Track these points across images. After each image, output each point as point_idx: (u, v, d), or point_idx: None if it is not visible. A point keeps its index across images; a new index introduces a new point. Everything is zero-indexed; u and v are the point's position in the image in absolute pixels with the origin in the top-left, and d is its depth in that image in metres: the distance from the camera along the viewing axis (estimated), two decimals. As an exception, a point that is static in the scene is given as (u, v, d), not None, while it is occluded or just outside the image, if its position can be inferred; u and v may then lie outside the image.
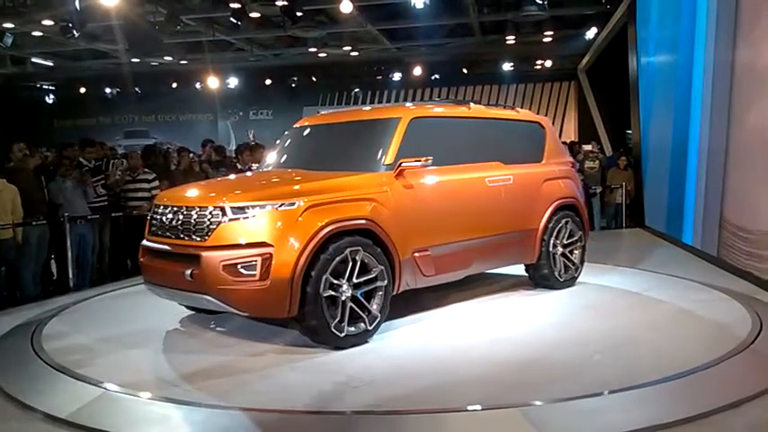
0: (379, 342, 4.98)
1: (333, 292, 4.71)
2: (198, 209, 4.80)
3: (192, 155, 10.78)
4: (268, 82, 22.74)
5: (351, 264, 4.80)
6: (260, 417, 3.68)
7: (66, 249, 7.74)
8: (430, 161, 5.29)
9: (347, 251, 4.76)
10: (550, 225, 6.43)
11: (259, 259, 4.51)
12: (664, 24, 10.49)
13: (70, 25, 12.15)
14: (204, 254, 4.62)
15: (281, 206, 4.66)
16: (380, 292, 4.99)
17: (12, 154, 7.66)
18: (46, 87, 24.36)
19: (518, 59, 21.11)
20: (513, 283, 6.85)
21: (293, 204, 4.67)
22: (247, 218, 4.63)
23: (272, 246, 4.55)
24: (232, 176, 6.71)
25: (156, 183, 8.83)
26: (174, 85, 23.01)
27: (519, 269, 6.73)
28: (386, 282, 5.01)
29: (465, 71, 22.17)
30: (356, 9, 14.04)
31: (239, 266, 4.54)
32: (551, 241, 6.45)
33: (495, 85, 22.67)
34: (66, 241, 7.72)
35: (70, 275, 7.81)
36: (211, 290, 4.61)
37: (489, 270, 6.63)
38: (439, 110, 6.05)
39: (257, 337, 5.21)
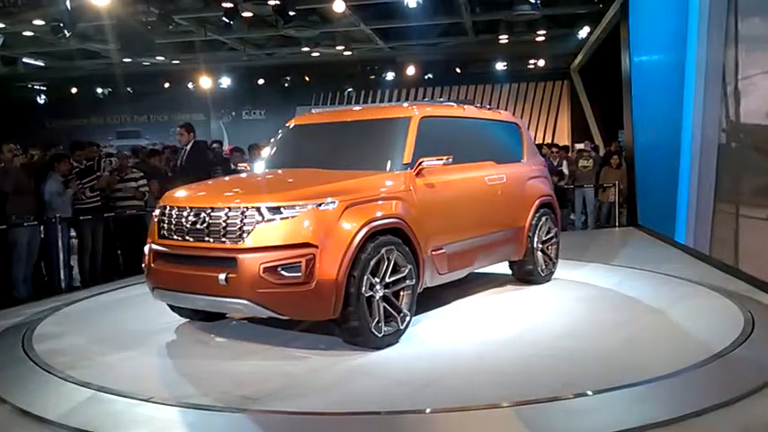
0: (406, 341, 4.98)
1: (371, 292, 4.68)
2: (228, 210, 4.59)
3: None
4: (261, 82, 22.69)
5: (386, 263, 4.78)
6: (257, 418, 3.66)
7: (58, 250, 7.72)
8: (451, 159, 5.33)
9: (383, 250, 4.74)
10: (534, 222, 6.67)
11: (303, 261, 4.38)
12: (656, 23, 10.51)
13: (61, 25, 12.10)
14: (241, 256, 4.44)
15: (320, 205, 4.54)
16: (409, 291, 5.00)
17: (1, 155, 7.61)
18: (37, 87, 24.24)
19: (511, 59, 21.12)
20: (497, 280, 6.96)
21: (333, 204, 4.57)
22: (286, 218, 4.48)
23: (316, 246, 4.43)
24: (237, 177, 6.25)
25: (144, 182, 8.85)
26: (167, 85, 22.93)
27: (496, 267, 6.85)
28: (414, 280, 5.02)
29: (458, 70, 22.17)
30: (349, 8, 14.03)
31: (280, 269, 4.39)
32: (535, 237, 6.68)
33: (489, 84, 22.67)
34: (57, 242, 7.69)
35: (62, 276, 7.77)
36: (250, 294, 4.44)
37: (484, 268, 6.66)
38: (443, 109, 6.13)
39: (253, 338, 5.16)
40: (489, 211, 6.20)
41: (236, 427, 3.64)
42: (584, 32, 16.37)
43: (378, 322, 4.70)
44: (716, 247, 7.67)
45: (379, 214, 4.79)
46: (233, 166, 9.25)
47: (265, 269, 4.39)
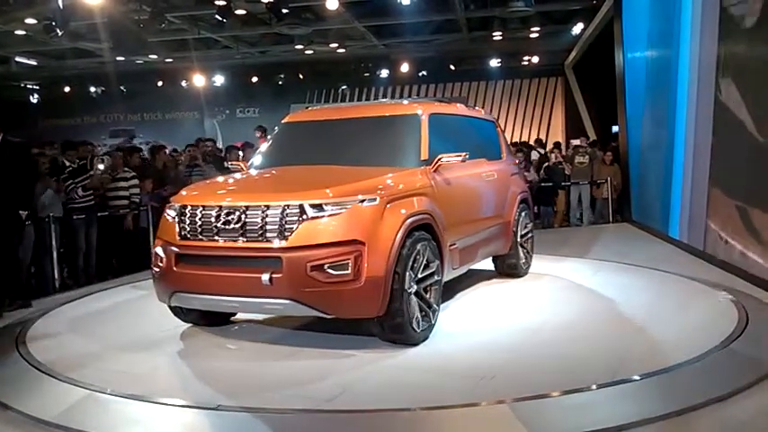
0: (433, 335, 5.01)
1: (410, 288, 4.70)
2: (266, 208, 4.48)
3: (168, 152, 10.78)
4: (254, 79, 22.59)
5: (421, 259, 4.81)
6: (256, 417, 3.64)
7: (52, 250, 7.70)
8: (468, 156, 5.40)
9: (419, 246, 4.76)
10: (516, 217, 6.88)
11: (351, 258, 4.33)
12: (649, 20, 10.53)
13: (53, 24, 12.03)
14: (287, 255, 4.34)
15: (362, 202, 4.50)
16: (436, 286, 5.03)
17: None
18: (30, 87, 24.11)
19: (505, 55, 21.10)
20: (482, 275, 7.04)
21: (374, 200, 4.54)
22: (331, 215, 4.41)
23: (364, 243, 4.38)
24: (255, 174, 5.68)
25: (135, 182, 8.83)
26: (160, 83, 22.83)
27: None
28: (440, 276, 5.08)
29: (452, 68, 22.15)
30: (342, 6, 14.01)
31: (327, 267, 4.32)
32: (518, 232, 6.89)
33: (483, 81, 22.63)
34: (51, 242, 7.66)
35: (56, 276, 7.74)
36: (296, 294, 4.35)
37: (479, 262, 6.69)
38: (443, 107, 6.20)
39: (275, 341, 5.09)
40: (487, 206, 6.39)
41: (231, 426, 3.63)
42: (577, 29, 16.38)
43: (416, 318, 4.72)
44: (709, 243, 7.69)
45: (414, 210, 4.81)
46: (226, 165, 9.23)
47: (312, 267, 4.31)
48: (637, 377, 3.97)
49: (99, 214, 8.44)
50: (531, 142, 16.88)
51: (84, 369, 4.51)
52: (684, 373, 4.07)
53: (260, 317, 5.59)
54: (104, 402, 3.96)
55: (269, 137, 6.29)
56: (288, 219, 4.42)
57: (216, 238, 4.61)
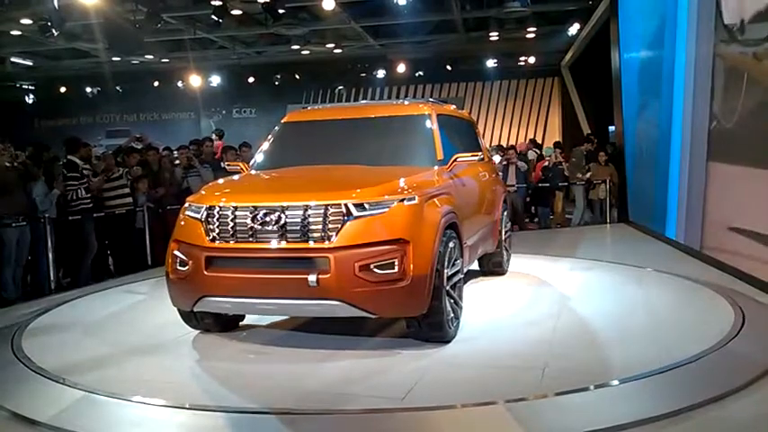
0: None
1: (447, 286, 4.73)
2: (306, 208, 4.38)
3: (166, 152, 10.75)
4: (251, 80, 22.57)
5: (453, 257, 4.87)
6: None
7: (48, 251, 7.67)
8: (481, 155, 5.52)
9: (450, 244, 4.81)
10: (501, 216, 7.03)
11: (398, 256, 4.31)
12: (646, 20, 10.54)
13: (49, 24, 11.99)
14: (334, 255, 4.26)
15: (403, 201, 4.50)
16: (460, 284, 5.08)
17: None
18: (26, 87, 24.05)
19: (501, 56, 21.12)
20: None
21: (413, 199, 4.54)
22: (374, 214, 4.38)
23: (409, 242, 4.37)
24: (279, 174, 5.46)
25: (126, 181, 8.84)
26: (156, 83, 22.79)
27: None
28: (463, 273, 5.14)
29: (449, 68, 22.17)
30: (339, 6, 13.99)
31: (373, 266, 4.28)
32: (503, 230, 7.03)
33: (479, 81, 22.65)
34: (47, 242, 7.63)
35: (51, 277, 7.72)
36: (344, 294, 4.28)
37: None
38: (442, 108, 6.25)
39: (295, 344, 5.04)
40: (484, 205, 6.48)
41: (228, 427, 3.61)
42: (574, 29, 16.39)
43: (449, 315, 4.74)
44: (706, 243, 7.70)
45: (446, 209, 4.87)
46: (223, 165, 9.20)
47: (360, 267, 4.27)
48: (633, 377, 3.96)
49: (95, 215, 8.42)
50: (518, 143, 17.04)
51: (80, 370, 4.48)
52: (681, 372, 4.07)
53: (262, 321, 5.55)
54: (100, 403, 3.93)
55: (269, 136, 6.10)
56: (331, 218, 4.35)
57: (252, 239, 4.46)
